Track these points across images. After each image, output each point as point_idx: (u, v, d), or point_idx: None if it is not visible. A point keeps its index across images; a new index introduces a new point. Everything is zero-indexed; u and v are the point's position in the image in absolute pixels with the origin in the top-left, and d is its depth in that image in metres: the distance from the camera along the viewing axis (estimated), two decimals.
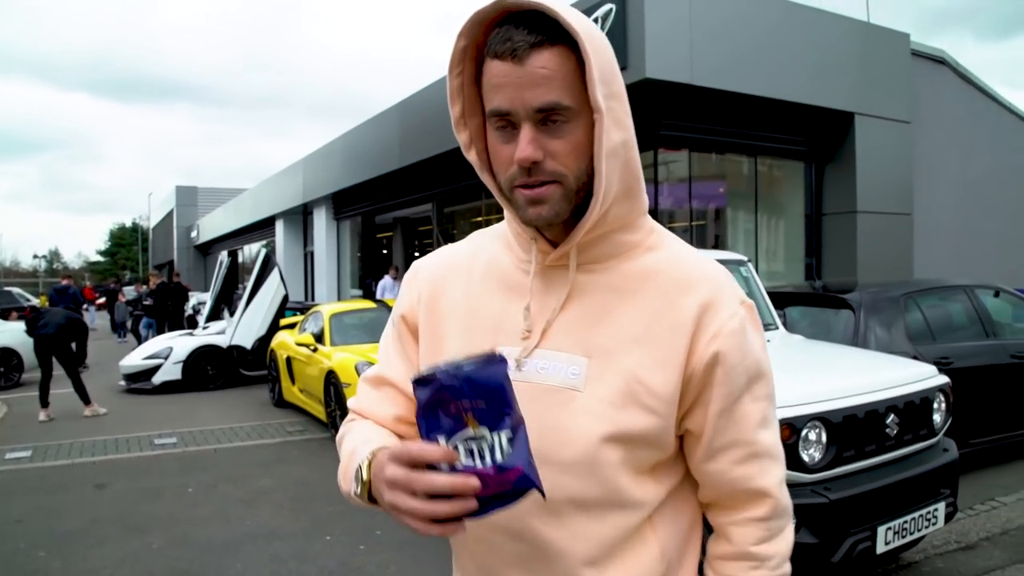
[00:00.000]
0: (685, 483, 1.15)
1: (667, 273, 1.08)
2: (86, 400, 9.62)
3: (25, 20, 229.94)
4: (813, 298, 6.48)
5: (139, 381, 11.75)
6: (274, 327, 11.74)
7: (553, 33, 0.97)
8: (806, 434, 3.43)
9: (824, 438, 3.48)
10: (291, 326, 11.09)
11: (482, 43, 1.03)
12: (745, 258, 5.70)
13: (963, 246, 12.15)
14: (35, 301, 23.70)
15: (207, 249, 38.82)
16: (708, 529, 1.18)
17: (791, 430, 3.35)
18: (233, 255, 14.83)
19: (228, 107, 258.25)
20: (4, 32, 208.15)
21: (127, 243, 77.03)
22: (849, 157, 10.71)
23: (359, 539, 4.89)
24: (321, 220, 20.66)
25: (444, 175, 13.77)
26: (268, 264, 12.47)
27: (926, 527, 3.75)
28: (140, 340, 16.96)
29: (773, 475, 1.11)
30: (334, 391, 7.80)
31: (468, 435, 0.88)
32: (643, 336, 1.05)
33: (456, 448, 0.88)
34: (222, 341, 12.12)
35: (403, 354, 1.25)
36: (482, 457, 0.87)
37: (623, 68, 8.12)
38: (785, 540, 1.14)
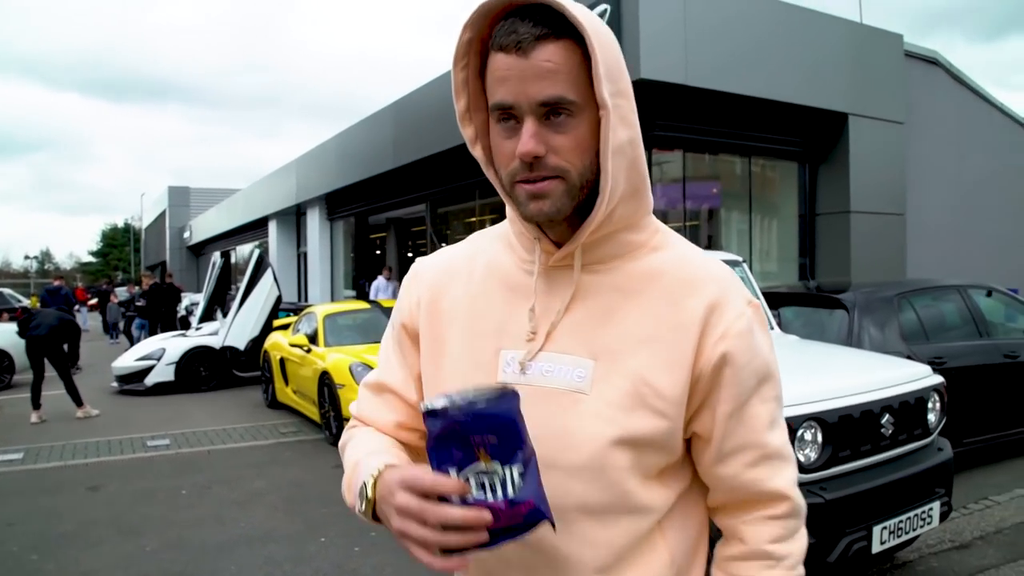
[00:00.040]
0: (693, 488, 1.13)
1: (672, 273, 1.07)
2: (78, 402, 9.58)
3: (16, 20, 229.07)
4: (807, 298, 6.50)
5: (132, 382, 11.70)
6: (267, 328, 11.71)
7: (559, 27, 0.96)
8: (802, 434, 3.43)
9: (820, 438, 3.48)
10: (284, 327, 11.08)
11: (487, 36, 1.02)
12: (740, 259, 5.71)
13: (955, 246, 12.19)
14: (26, 302, 23.64)
15: (200, 250, 38.70)
16: (715, 533, 1.17)
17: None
18: (226, 256, 14.79)
19: (220, 107, 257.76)
20: None
21: (119, 244, 76.82)
22: (843, 157, 10.74)
23: (354, 541, 4.88)
24: (314, 221, 20.62)
25: (438, 176, 13.75)
26: (261, 265, 12.44)
27: (921, 526, 3.76)
28: (132, 341, 16.89)
29: (786, 476, 1.10)
30: (328, 392, 7.78)
31: (479, 468, 0.88)
32: (649, 337, 1.03)
33: (467, 480, 0.88)
34: (215, 342, 12.08)
35: (402, 359, 1.23)
36: (493, 491, 0.88)
37: None
38: (800, 540, 1.11)
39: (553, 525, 0.91)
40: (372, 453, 1.10)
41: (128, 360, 11.97)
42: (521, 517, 0.88)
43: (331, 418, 7.75)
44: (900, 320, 5.79)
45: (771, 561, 1.08)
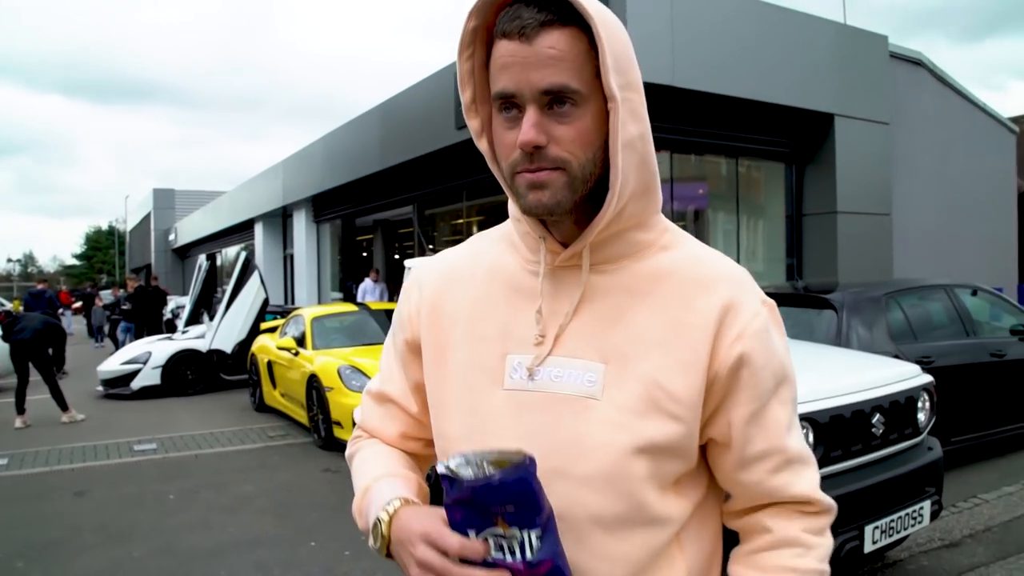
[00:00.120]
0: (709, 497, 1.09)
1: (682, 273, 1.03)
2: (63, 406, 9.49)
3: None
4: (795, 299, 6.51)
5: (117, 386, 11.62)
6: (254, 331, 11.66)
7: (565, 13, 0.93)
8: None
9: (811, 438, 3.48)
10: (272, 330, 11.02)
11: (493, 24, 0.98)
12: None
13: (941, 245, 12.28)
14: (9, 306, 23.39)
15: (185, 252, 38.45)
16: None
17: None
18: (212, 258, 14.72)
19: (205, 109, 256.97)
20: None
21: (103, 246, 76.33)
22: (829, 158, 10.79)
23: (344, 545, 4.85)
24: (301, 223, 20.53)
25: (425, 177, 13.72)
26: (248, 267, 12.40)
27: (912, 525, 3.77)
28: (117, 345, 16.78)
29: (809, 479, 1.07)
30: (316, 395, 7.74)
31: (498, 532, 0.88)
32: (662, 339, 1.00)
33: (486, 540, 0.89)
34: (202, 345, 12.02)
35: (402, 369, 1.21)
36: (512, 553, 0.88)
37: None
38: (828, 538, 1.08)
39: None
40: (382, 478, 1.09)
41: (114, 364, 11.89)
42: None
43: (319, 421, 7.71)
44: (888, 320, 5.81)
45: (801, 549, 1.04)
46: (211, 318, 12.71)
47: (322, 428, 7.63)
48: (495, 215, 13.55)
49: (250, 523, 5.40)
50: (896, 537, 3.72)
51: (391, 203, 15.95)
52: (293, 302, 20.81)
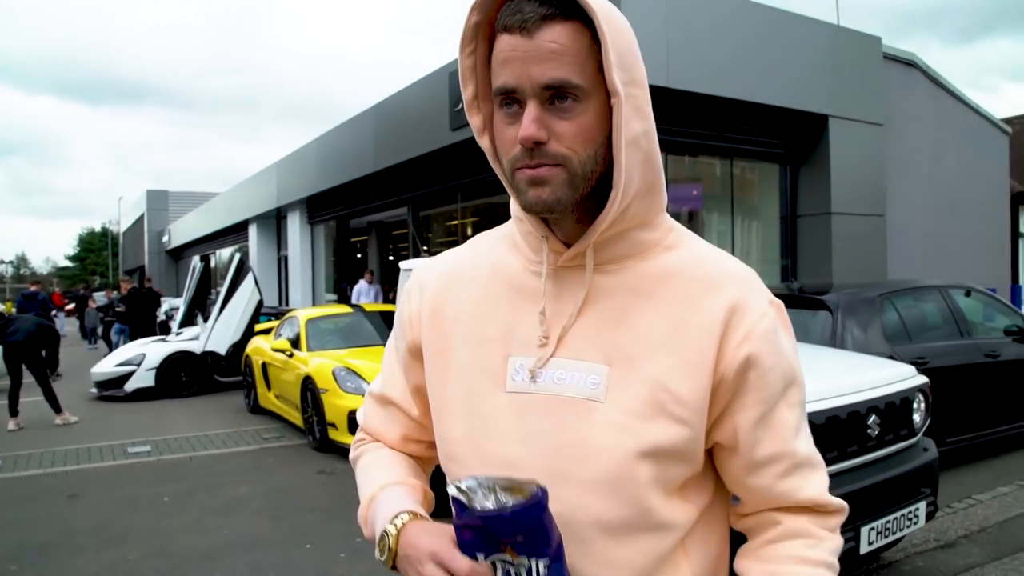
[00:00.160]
0: (715, 502, 1.07)
1: (687, 273, 1.01)
2: (57, 408, 9.46)
3: None
4: (790, 299, 6.51)
5: (111, 388, 11.59)
6: (249, 332, 11.63)
7: (568, 7, 0.91)
8: None
9: None
10: (266, 331, 11.00)
11: (495, 19, 0.96)
12: None
13: (934, 246, 12.30)
14: (1, 308, 23.32)
15: (179, 254, 38.36)
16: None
17: None
18: (206, 260, 14.67)
19: (198, 110, 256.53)
20: None
21: (96, 248, 76.13)
22: (823, 159, 10.81)
23: (339, 547, 4.84)
24: (295, 224, 20.49)
25: (419, 179, 13.70)
26: (242, 269, 12.36)
27: (908, 526, 3.78)
28: (111, 347, 16.71)
29: (818, 482, 1.04)
30: (311, 397, 7.72)
31: (506, 559, 0.89)
32: (667, 340, 0.98)
33: (494, 564, 0.90)
34: (196, 347, 11.98)
35: (403, 372, 1.20)
36: None
37: None
38: (839, 536, 1.06)
39: None
40: (387, 487, 1.10)
41: (107, 366, 11.86)
42: None
43: (314, 423, 7.69)
44: (883, 320, 5.82)
45: (812, 540, 1.02)
46: (205, 320, 12.66)
47: (317, 430, 7.61)
48: (490, 216, 13.54)
49: (245, 525, 5.38)
50: (892, 538, 3.73)
51: (385, 204, 15.93)
52: (287, 304, 20.76)
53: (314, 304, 19.16)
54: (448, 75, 10.54)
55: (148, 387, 11.53)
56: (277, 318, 12.32)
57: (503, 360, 1.04)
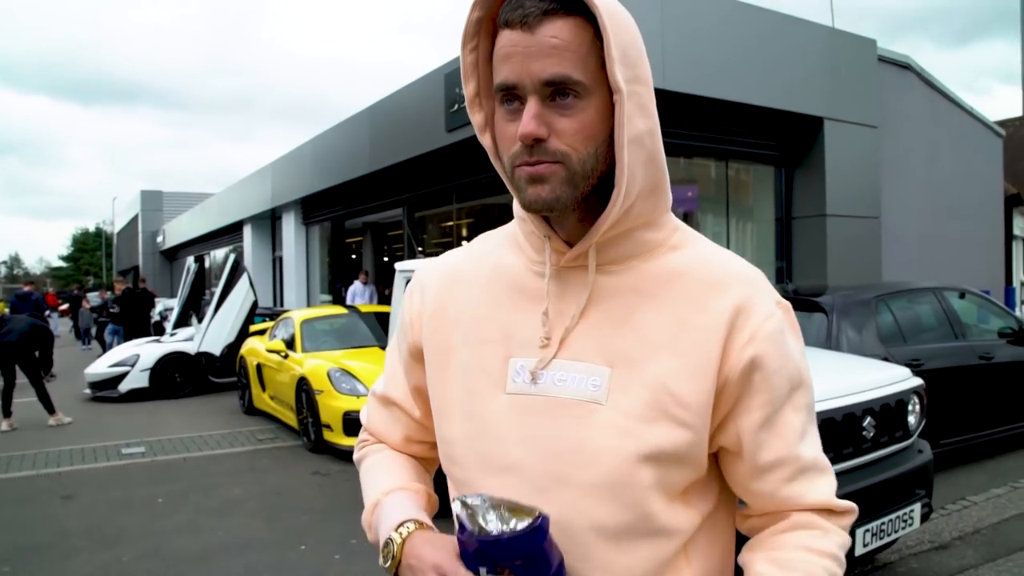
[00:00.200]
0: (720, 507, 1.05)
1: (692, 274, 0.99)
2: (50, 409, 9.42)
3: None
4: None
5: (105, 389, 11.56)
6: (243, 333, 11.60)
7: (570, 2, 0.90)
8: None
9: None
10: (261, 332, 10.98)
11: (497, 15, 0.95)
12: None
13: (929, 248, 12.33)
14: None
15: (173, 255, 38.27)
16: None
17: None
18: (200, 260, 14.64)
19: (193, 111, 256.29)
20: None
21: (90, 248, 75.90)
22: (818, 161, 10.82)
23: (334, 548, 4.83)
24: (290, 225, 20.45)
25: (415, 180, 13.69)
26: (237, 269, 12.33)
27: (903, 528, 3.78)
28: (105, 347, 16.66)
29: (825, 487, 1.02)
30: (306, 398, 7.71)
31: None
32: (670, 342, 0.96)
33: None
34: (190, 348, 11.96)
35: (405, 373, 1.20)
36: None
37: None
38: (848, 536, 1.04)
39: None
40: (391, 492, 1.10)
41: (101, 366, 11.82)
42: None
43: (309, 424, 7.67)
44: (878, 322, 5.84)
45: (820, 532, 0.99)
46: (200, 320, 12.64)
47: (312, 431, 7.60)
48: (485, 218, 13.54)
49: (239, 527, 5.36)
50: (886, 540, 3.74)
51: (381, 205, 15.91)
52: (282, 304, 20.74)
53: (309, 305, 19.13)
54: (444, 76, 10.54)
55: (142, 388, 11.50)
56: (272, 319, 12.29)
57: (504, 361, 1.03)
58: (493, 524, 0.87)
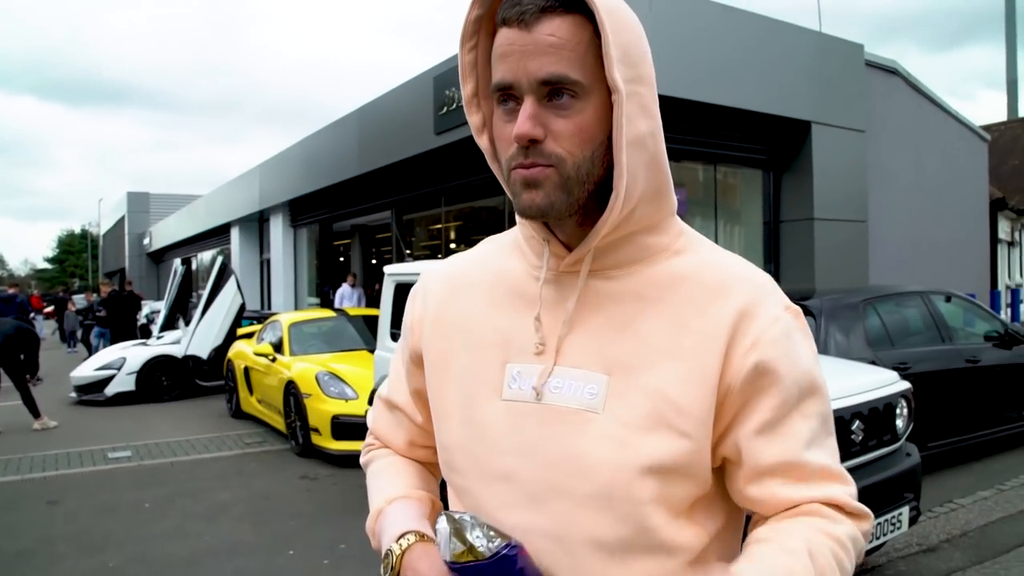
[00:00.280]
0: (729, 528, 1.00)
1: (696, 278, 0.96)
2: (35, 413, 9.34)
3: None
4: None
5: (91, 393, 11.48)
6: (231, 336, 11.56)
7: (570, 0, 0.88)
8: None
9: None
10: (248, 335, 10.93)
11: (496, 13, 0.92)
12: None
13: (914, 252, 12.41)
14: None
15: (160, 257, 38.10)
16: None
17: None
18: (187, 263, 14.57)
19: (180, 112, 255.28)
20: None
21: (76, 250, 75.45)
22: (806, 165, 10.88)
23: (323, 553, 4.80)
24: (278, 227, 20.39)
25: (403, 182, 13.68)
26: (224, 272, 12.29)
27: (891, 531, 3.80)
28: (91, 350, 16.55)
29: (837, 489, 0.95)
30: (294, 402, 7.67)
31: None
32: (670, 349, 0.92)
33: None
34: (177, 351, 11.89)
35: (407, 377, 1.19)
36: None
37: None
38: (861, 537, 0.96)
39: None
40: (395, 500, 1.10)
41: (87, 370, 11.74)
42: None
43: (297, 428, 7.64)
44: (865, 326, 5.87)
45: (830, 520, 0.93)
46: (187, 323, 12.58)
47: (300, 435, 7.56)
48: (474, 221, 13.53)
49: (227, 531, 5.33)
50: (875, 543, 3.76)
51: (369, 208, 15.88)
52: (270, 307, 20.66)
53: (297, 308, 19.07)
54: (433, 79, 10.54)
55: (129, 391, 11.41)
56: (259, 322, 12.24)
57: (500, 367, 1.01)
58: (480, 541, 0.89)
